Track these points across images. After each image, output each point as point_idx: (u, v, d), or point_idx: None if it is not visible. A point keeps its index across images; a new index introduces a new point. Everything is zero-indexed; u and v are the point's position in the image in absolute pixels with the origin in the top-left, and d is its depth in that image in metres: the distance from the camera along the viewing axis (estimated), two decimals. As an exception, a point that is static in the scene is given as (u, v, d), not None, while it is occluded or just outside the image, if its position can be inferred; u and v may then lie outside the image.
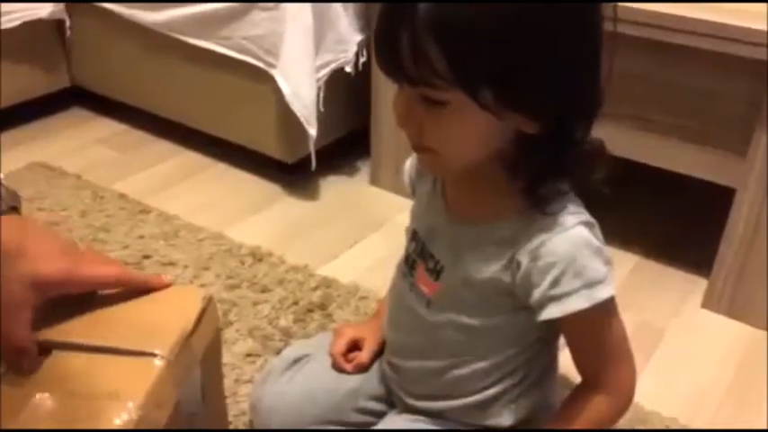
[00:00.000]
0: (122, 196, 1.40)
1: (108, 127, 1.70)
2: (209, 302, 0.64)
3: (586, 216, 0.63)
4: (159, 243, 1.27)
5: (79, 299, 0.62)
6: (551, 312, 0.62)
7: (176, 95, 1.55)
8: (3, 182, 0.65)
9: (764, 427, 0.96)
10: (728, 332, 1.13)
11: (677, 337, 1.12)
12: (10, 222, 0.60)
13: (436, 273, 0.69)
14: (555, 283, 0.61)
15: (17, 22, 1.51)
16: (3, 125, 1.55)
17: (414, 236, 0.73)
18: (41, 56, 1.63)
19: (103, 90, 1.69)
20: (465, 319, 0.68)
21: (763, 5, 1.00)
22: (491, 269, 0.65)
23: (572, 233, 0.61)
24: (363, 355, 0.81)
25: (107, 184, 1.45)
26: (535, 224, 0.62)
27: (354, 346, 0.83)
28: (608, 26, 0.58)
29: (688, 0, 1.02)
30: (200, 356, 0.63)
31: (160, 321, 0.61)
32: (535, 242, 0.62)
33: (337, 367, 0.81)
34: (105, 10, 1.51)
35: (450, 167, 0.64)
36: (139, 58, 1.55)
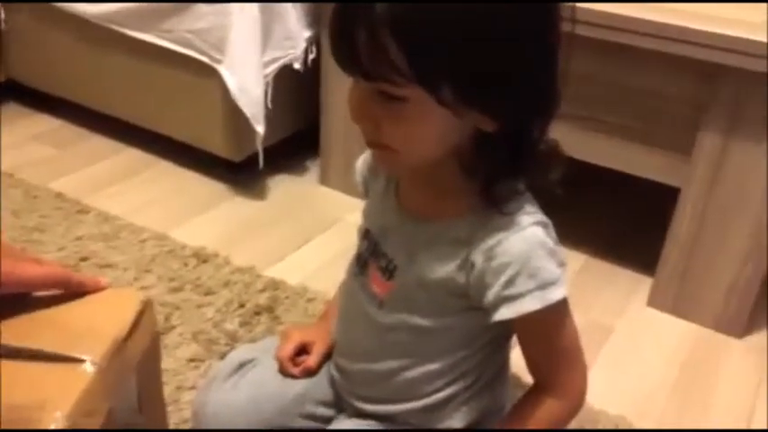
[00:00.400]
0: (59, 195, 1.34)
1: (44, 123, 1.63)
2: (146, 306, 0.61)
3: (541, 216, 0.63)
4: (98, 244, 1.22)
5: (8, 300, 0.58)
6: (504, 314, 0.61)
7: (117, 90, 1.49)
8: None
9: (709, 426, 0.98)
10: (673, 330, 1.15)
11: (623, 335, 1.14)
12: None
13: (389, 272, 0.68)
14: (509, 283, 0.61)
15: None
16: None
17: (366, 235, 0.72)
18: (-27, 48, 1.56)
19: (40, 84, 1.62)
20: (417, 320, 0.67)
21: (704, 5, 1.02)
22: (445, 269, 0.64)
23: (527, 233, 0.61)
24: (311, 359, 0.79)
25: (42, 182, 1.39)
26: (490, 223, 0.61)
27: (302, 349, 0.80)
28: (564, 26, 0.58)
29: (634, 0, 1.03)
30: (136, 363, 0.60)
31: (93, 325, 0.58)
32: (490, 242, 0.61)
33: (284, 372, 0.78)
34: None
35: (405, 164, 0.63)
36: (78, 51, 1.49)
